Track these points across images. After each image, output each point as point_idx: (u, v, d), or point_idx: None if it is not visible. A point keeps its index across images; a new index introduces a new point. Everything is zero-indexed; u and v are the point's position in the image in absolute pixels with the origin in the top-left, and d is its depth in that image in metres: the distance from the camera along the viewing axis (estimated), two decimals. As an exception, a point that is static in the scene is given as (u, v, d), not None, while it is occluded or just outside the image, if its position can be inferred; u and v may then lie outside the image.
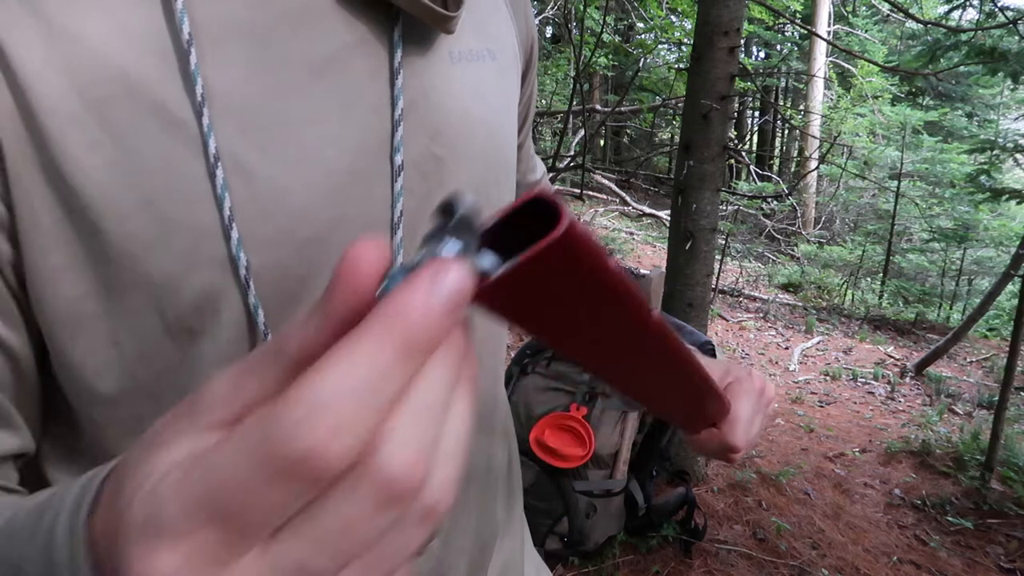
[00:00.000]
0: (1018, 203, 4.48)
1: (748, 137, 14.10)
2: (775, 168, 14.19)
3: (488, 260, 0.21)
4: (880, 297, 7.65)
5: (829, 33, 10.91)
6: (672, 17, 8.02)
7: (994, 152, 5.62)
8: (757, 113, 15.71)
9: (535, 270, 0.21)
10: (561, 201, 0.21)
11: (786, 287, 7.97)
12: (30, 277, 0.37)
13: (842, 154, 9.63)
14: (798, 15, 9.75)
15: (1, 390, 0.38)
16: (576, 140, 7.66)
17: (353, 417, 0.17)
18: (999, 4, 4.28)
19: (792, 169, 13.58)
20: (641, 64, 10.07)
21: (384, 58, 0.45)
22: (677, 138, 7.25)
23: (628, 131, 13.53)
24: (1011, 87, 9.68)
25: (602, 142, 13.47)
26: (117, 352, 0.39)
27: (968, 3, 5.01)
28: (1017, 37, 4.02)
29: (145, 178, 0.36)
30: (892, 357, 5.55)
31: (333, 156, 0.42)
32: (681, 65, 9.12)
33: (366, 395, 0.17)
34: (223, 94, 0.38)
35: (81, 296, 0.37)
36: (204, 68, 0.37)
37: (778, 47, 14.45)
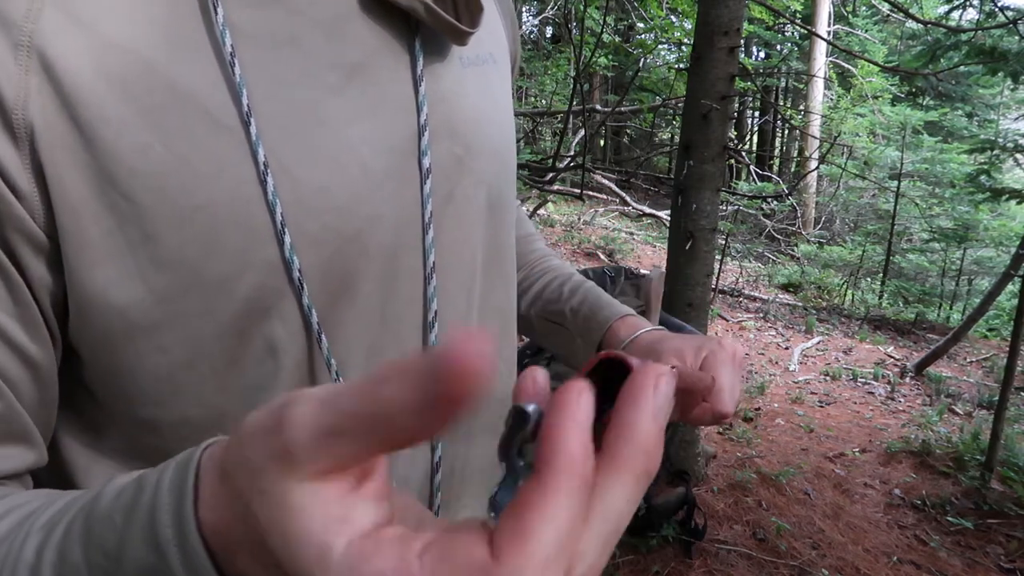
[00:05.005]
0: (1018, 203, 4.49)
1: (748, 137, 14.10)
2: (775, 168, 14.18)
3: None
4: (880, 297, 7.64)
5: (829, 33, 10.91)
6: (672, 17, 8.02)
7: (994, 152, 5.61)
8: (757, 113, 15.70)
9: None
10: (626, 357, 0.24)
11: (786, 287, 7.96)
12: (75, 293, 0.38)
13: (842, 154, 9.63)
14: (798, 15, 9.75)
15: (25, 408, 0.39)
16: (576, 140, 7.65)
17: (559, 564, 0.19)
18: (999, 4, 4.28)
19: (792, 169, 13.57)
20: (641, 64, 10.07)
21: (405, 63, 0.48)
22: (677, 138, 7.24)
23: (628, 131, 13.53)
24: (1011, 87, 9.68)
25: (602, 142, 13.47)
26: (165, 359, 0.41)
27: (968, 3, 5.01)
28: (1017, 37, 4.02)
29: (197, 183, 0.38)
30: (892, 357, 5.55)
31: (368, 155, 0.45)
32: (681, 65, 9.11)
33: (563, 551, 0.19)
34: (265, 99, 0.41)
35: (130, 306, 0.39)
36: (247, 74, 0.40)
37: (778, 47, 14.44)
